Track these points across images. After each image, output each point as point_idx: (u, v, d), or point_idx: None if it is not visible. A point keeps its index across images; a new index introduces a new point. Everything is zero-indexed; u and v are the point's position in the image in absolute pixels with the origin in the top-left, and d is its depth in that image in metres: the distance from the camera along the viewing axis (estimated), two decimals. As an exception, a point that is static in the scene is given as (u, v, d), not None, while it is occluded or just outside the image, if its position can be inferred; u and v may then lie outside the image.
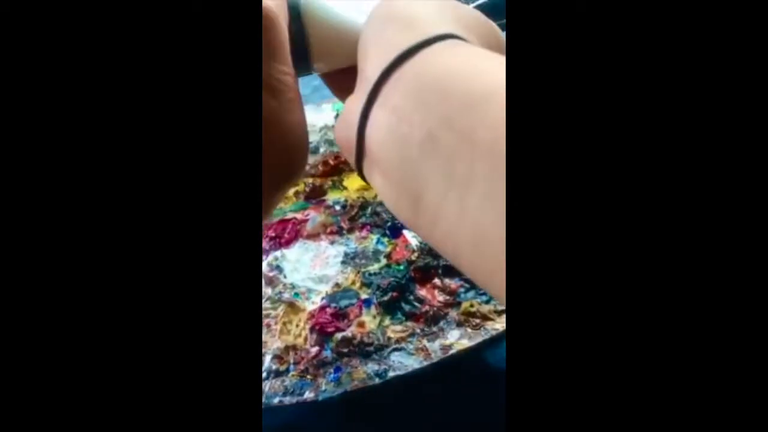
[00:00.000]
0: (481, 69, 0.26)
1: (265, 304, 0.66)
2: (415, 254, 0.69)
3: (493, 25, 0.34)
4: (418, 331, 0.59)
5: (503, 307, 0.60)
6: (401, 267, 0.67)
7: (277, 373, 0.57)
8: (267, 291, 0.68)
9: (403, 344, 0.58)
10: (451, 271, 0.65)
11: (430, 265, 0.66)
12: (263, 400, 0.55)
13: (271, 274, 0.69)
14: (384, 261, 0.69)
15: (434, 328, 0.59)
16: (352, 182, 0.86)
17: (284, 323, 0.63)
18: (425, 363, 0.56)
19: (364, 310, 0.63)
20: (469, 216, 0.24)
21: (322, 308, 0.64)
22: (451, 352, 0.56)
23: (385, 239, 0.73)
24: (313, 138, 1.02)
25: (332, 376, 0.56)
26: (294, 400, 0.54)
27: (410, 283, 0.65)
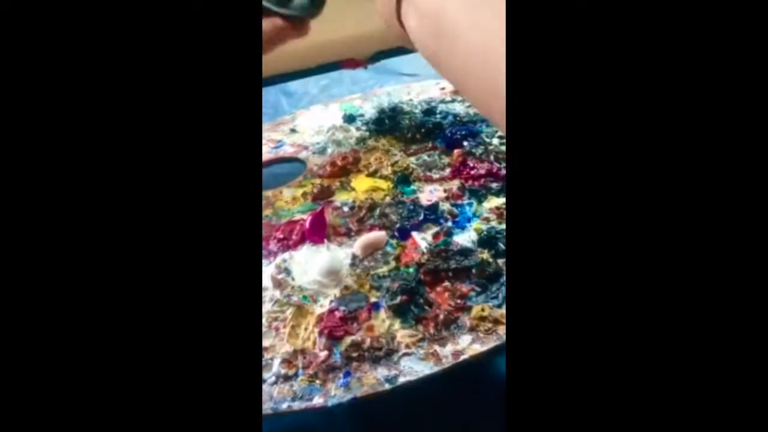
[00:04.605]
0: None
1: (273, 307, 0.65)
2: (425, 257, 0.68)
3: None
4: (429, 335, 0.58)
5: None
6: (411, 270, 0.67)
7: (286, 378, 0.56)
8: (275, 294, 0.67)
9: (413, 349, 0.57)
10: (461, 274, 0.65)
11: (441, 268, 0.65)
12: (272, 405, 0.54)
13: (279, 277, 0.69)
14: (393, 263, 0.69)
15: (445, 333, 0.58)
16: (360, 183, 0.85)
17: (293, 327, 0.62)
18: (436, 368, 0.55)
19: (374, 314, 0.62)
20: (480, 27, 0.29)
21: (331, 311, 0.63)
22: (463, 357, 0.55)
23: (394, 241, 0.72)
24: (321, 138, 1.01)
25: (341, 381, 0.55)
26: (303, 405, 0.54)
27: (420, 287, 0.64)
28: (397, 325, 0.60)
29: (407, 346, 0.57)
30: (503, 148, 0.86)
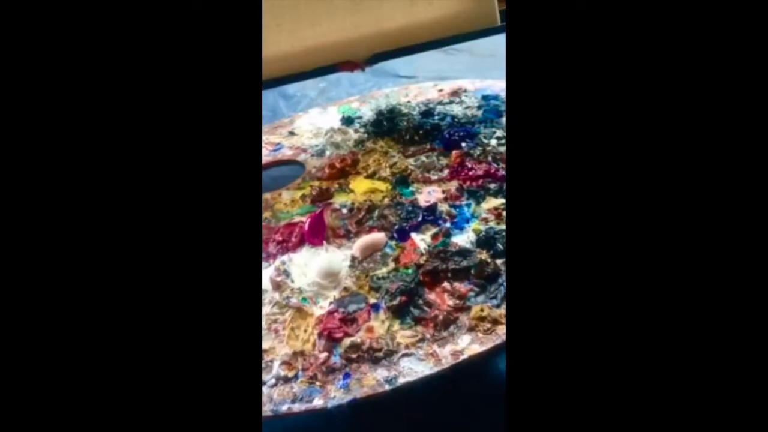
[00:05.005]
0: None
1: (273, 309, 0.65)
2: (424, 258, 0.68)
3: None
4: (428, 336, 0.58)
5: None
6: (410, 271, 0.67)
7: (286, 380, 0.57)
8: (274, 296, 0.67)
9: (412, 350, 0.57)
10: (460, 274, 0.65)
11: (439, 269, 0.65)
12: (272, 407, 0.54)
13: (278, 279, 0.69)
14: (392, 265, 0.69)
15: (444, 333, 0.58)
16: (359, 185, 0.85)
17: (292, 329, 0.62)
18: (436, 369, 0.55)
19: (373, 315, 0.62)
20: None
21: (330, 313, 0.63)
22: (462, 357, 0.55)
23: (393, 242, 0.72)
24: (319, 141, 1.01)
25: (341, 382, 0.55)
26: (303, 407, 0.54)
27: (419, 287, 0.64)
28: (396, 325, 0.60)
29: (407, 347, 0.57)
30: (501, 149, 0.87)
